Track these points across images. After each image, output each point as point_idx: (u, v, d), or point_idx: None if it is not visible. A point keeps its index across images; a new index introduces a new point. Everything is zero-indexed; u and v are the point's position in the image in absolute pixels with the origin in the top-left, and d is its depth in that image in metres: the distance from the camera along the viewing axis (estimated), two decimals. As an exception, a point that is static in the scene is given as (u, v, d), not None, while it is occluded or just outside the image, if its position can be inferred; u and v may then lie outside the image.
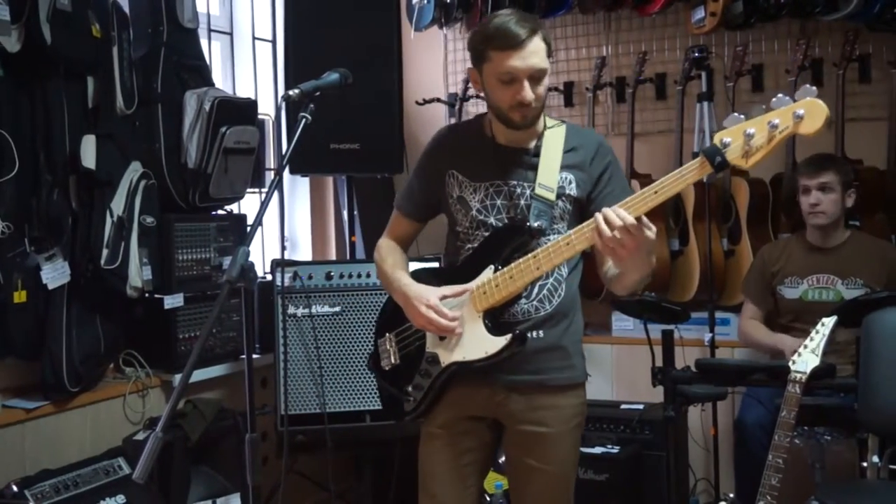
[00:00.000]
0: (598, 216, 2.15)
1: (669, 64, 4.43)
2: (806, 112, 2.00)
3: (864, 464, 3.15)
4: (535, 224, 2.39)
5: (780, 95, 2.05)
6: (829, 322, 2.89)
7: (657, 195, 2.14)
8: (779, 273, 3.76)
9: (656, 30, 4.47)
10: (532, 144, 2.47)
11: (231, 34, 4.52)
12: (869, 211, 3.84)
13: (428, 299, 2.39)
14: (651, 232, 2.15)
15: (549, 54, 2.37)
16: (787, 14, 3.91)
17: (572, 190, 2.44)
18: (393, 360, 2.58)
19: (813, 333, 2.89)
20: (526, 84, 2.32)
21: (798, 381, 2.82)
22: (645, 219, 2.15)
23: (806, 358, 2.84)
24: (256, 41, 4.65)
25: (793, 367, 2.84)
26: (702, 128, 4.11)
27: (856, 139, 3.93)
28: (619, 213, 2.12)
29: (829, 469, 3.36)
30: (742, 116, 2.07)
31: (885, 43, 3.96)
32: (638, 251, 2.15)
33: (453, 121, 4.78)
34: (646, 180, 4.22)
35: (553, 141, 2.46)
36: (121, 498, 3.20)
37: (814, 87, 2.02)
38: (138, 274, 3.43)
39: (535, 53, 2.31)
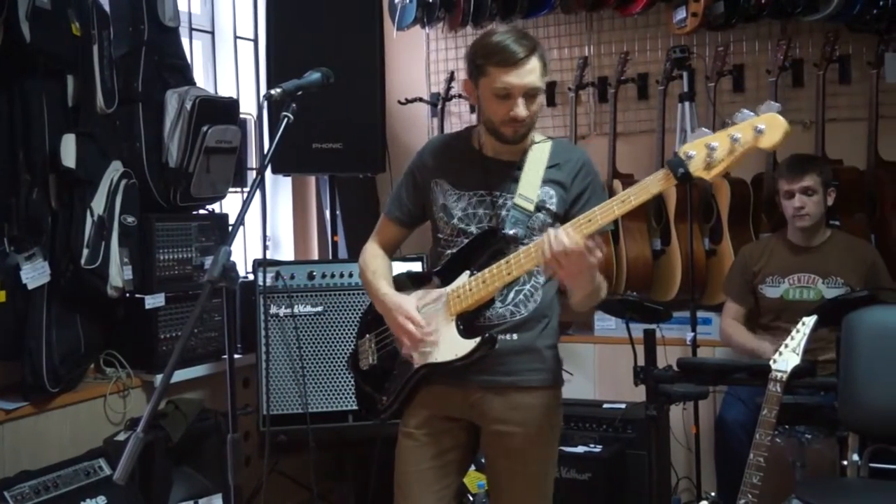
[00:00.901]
0: (545, 236, 2.20)
1: (651, 64, 4.45)
2: (766, 127, 2.04)
3: (845, 462, 3.16)
4: (511, 232, 2.42)
5: (743, 110, 2.10)
6: (809, 321, 2.91)
7: (624, 204, 2.19)
8: (760, 272, 3.78)
9: (638, 30, 4.48)
10: (518, 158, 2.50)
11: (212, 33, 4.50)
12: (849, 211, 3.87)
13: (407, 311, 2.43)
14: (594, 258, 2.19)
15: (545, 73, 2.41)
16: (767, 15, 3.93)
17: (552, 205, 2.47)
18: (371, 361, 2.62)
19: (794, 333, 2.91)
20: (520, 101, 2.36)
21: (779, 379, 2.84)
22: (591, 242, 2.19)
23: (787, 357, 2.85)
24: (238, 40, 4.63)
25: (773, 366, 2.86)
26: (683, 127, 4.12)
27: (836, 139, 3.96)
28: (560, 240, 2.17)
29: (809, 467, 3.37)
30: (708, 130, 2.12)
31: (864, 43, 3.99)
32: (579, 273, 2.22)
33: (435, 120, 4.79)
34: (628, 180, 4.24)
35: (538, 156, 2.50)
36: (101, 499, 3.18)
37: (776, 104, 2.07)
38: (119, 274, 3.41)
39: (531, 72, 2.35)
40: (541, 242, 2.24)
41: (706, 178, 2.12)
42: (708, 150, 2.08)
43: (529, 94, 2.37)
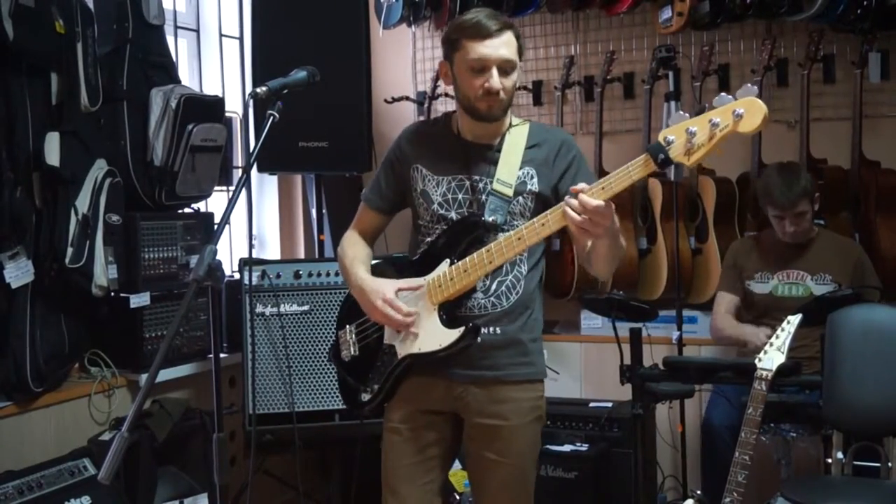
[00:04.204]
0: (565, 205, 2.18)
1: (637, 63, 4.46)
2: (745, 110, 2.03)
3: (829, 460, 3.18)
4: (490, 219, 2.42)
5: (721, 94, 2.09)
6: (794, 320, 2.92)
7: (604, 191, 2.18)
8: (750, 268, 3.80)
9: (624, 29, 4.49)
10: (496, 141, 2.51)
11: (198, 31, 4.48)
12: (833, 210, 3.88)
13: (384, 294, 2.43)
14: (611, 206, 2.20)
15: (520, 54, 2.43)
16: (753, 14, 3.94)
17: (534, 185, 2.47)
18: (352, 352, 2.61)
19: (779, 331, 2.92)
20: (495, 72, 2.37)
21: (764, 378, 2.84)
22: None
23: (772, 355, 2.86)
24: (223, 38, 4.61)
25: (759, 365, 2.87)
26: (669, 126, 4.13)
27: (820, 139, 3.98)
28: (582, 199, 2.14)
29: (794, 465, 3.39)
30: (686, 115, 2.11)
31: (848, 43, 4.01)
32: (608, 228, 2.21)
33: (422, 119, 4.78)
34: (614, 179, 4.24)
35: (516, 138, 2.50)
36: (86, 499, 3.17)
37: (754, 87, 2.06)
38: (104, 273, 3.39)
39: (505, 45, 2.38)
40: (541, 218, 2.25)
41: (686, 163, 2.10)
42: (688, 136, 2.07)
43: (504, 68, 2.38)
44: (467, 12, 2.47)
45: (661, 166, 2.12)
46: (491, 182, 2.45)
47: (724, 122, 2.05)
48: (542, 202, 2.47)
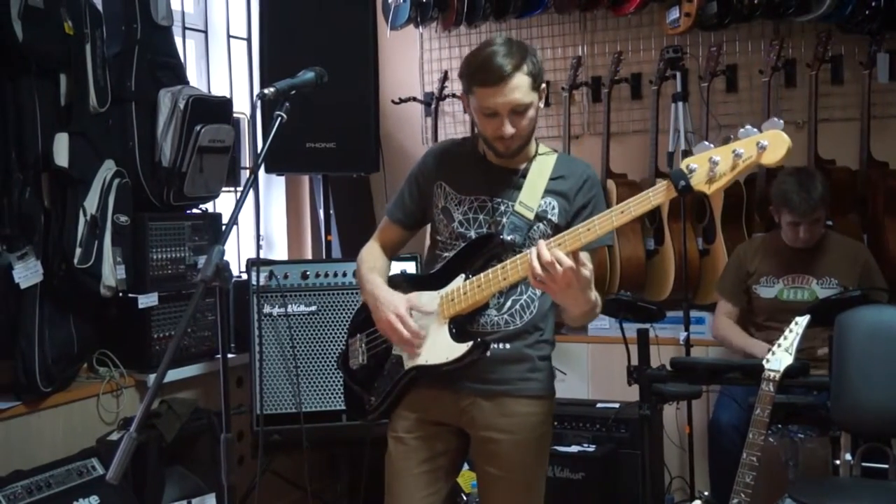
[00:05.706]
0: (533, 249, 2.19)
1: (644, 64, 4.46)
2: (770, 143, 2.06)
3: (837, 461, 3.17)
4: (509, 237, 2.42)
5: (747, 126, 2.11)
6: (802, 321, 2.91)
7: (623, 215, 2.18)
8: (755, 272, 3.79)
9: (631, 30, 4.49)
10: (522, 167, 2.51)
11: (206, 32, 4.50)
12: (841, 211, 3.88)
13: (397, 309, 2.42)
14: (586, 270, 2.19)
15: (538, 86, 2.39)
16: (760, 15, 3.94)
17: (554, 216, 2.47)
18: (361, 360, 2.61)
19: (787, 332, 2.92)
20: (506, 120, 2.36)
21: (772, 379, 2.84)
22: (582, 257, 2.18)
23: (780, 356, 2.86)
24: (231, 39, 4.62)
25: (767, 366, 2.87)
26: (676, 128, 4.13)
27: (828, 139, 3.97)
28: (552, 251, 2.16)
29: (802, 466, 3.38)
30: (710, 145, 2.14)
31: (856, 44, 4.00)
32: (569, 288, 2.19)
33: (429, 120, 4.79)
34: (621, 180, 4.25)
35: (542, 166, 2.50)
36: (94, 499, 3.18)
37: (780, 121, 2.09)
38: (112, 273, 3.40)
39: (516, 89, 2.34)
40: (529, 254, 2.22)
41: (707, 191, 2.12)
42: (710, 165, 2.10)
43: (516, 111, 2.36)
44: (483, 46, 2.41)
45: (682, 193, 2.13)
46: (513, 205, 2.46)
47: (748, 153, 2.07)
48: (559, 232, 2.45)
